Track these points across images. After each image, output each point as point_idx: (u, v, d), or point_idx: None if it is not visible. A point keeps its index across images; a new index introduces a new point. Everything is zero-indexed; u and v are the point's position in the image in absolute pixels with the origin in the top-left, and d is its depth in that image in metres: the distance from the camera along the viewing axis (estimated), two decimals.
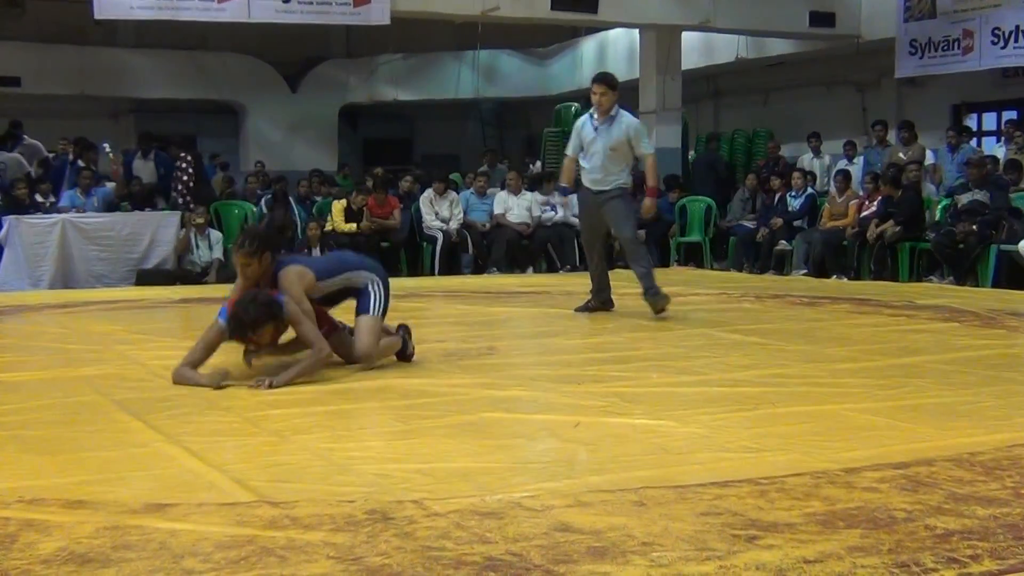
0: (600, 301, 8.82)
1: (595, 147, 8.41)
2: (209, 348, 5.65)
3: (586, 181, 8.59)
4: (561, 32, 21.99)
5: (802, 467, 3.82)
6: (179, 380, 5.55)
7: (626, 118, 8.46)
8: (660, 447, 4.21)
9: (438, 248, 13.56)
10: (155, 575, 2.78)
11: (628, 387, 5.45)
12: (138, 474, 3.87)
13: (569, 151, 8.74)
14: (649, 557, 2.87)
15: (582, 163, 8.55)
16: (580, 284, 11.67)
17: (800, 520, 3.19)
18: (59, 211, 12.44)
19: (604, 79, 8.53)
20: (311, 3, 13.29)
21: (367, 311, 6.03)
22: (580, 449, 4.21)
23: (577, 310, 8.76)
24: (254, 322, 5.52)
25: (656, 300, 8.33)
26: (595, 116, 8.47)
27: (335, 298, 6.18)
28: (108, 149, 13.59)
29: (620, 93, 8.52)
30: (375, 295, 6.09)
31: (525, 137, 24.48)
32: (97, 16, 13.25)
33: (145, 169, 14.29)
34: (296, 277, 5.81)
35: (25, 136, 15.52)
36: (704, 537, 3.04)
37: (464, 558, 2.87)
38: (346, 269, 6.15)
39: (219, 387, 5.39)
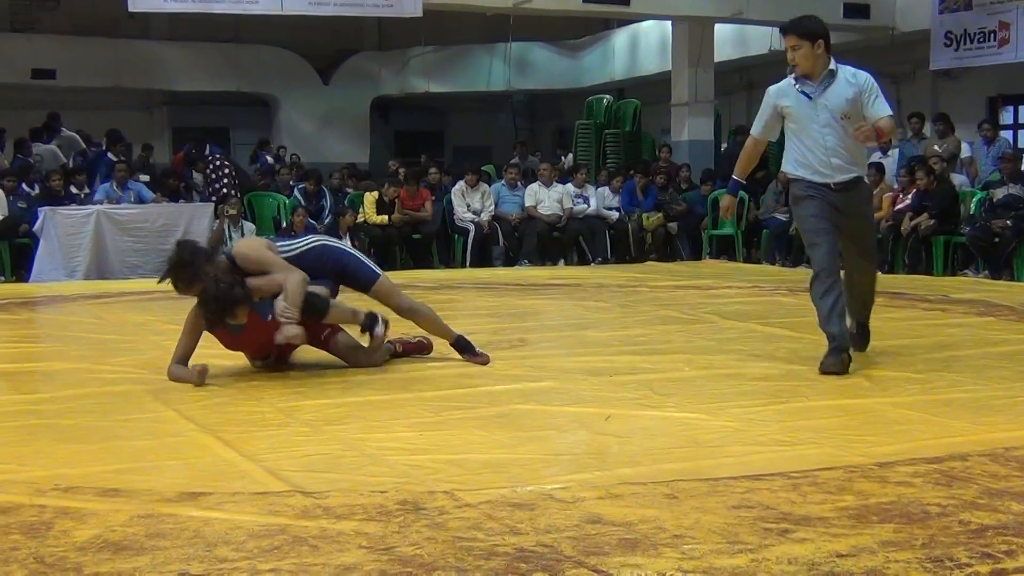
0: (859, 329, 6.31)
1: (815, 120, 5.86)
2: (193, 335, 5.52)
3: (806, 172, 5.90)
4: (593, 24, 21.93)
5: (835, 461, 3.80)
6: (172, 377, 5.46)
7: (850, 72, 5.91)
8: (692, 440, 4.20)
9: (470, 240, 13.56)
10: (188, 563, 2.80)
11: (660, 380, 5.44)
12: (172, 463, 3.90)
13: (756, 131, 6.26)
14: (680, 550, 2.87)
15: (795, 147, 5.98)
16: (611, 277, 11.67)
17: (833, 514, 3.18)
18: (94, 203, 12.53)
19: (795, 27, 5.95)
20: None
21: (373, 271, 6.23)
22: (611, 441, 4.20)
23: (830, 361, 5.67)
24: (220, 303, 5.34)
25: (861, 340, 6.25)
26: (798, 80, 6.00)
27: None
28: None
29: (828, 42, 5.93)
30: (359, 256, 6.33)
31: (556, 129, 24.44)
32: (131, 9, 13.33)
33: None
34: (247, 242, 5.85)
35: (63, 128, 15.64)
36: (736, 530, 3.03)
37: (495, 549, 2.87)
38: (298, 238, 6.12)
39: (200, 384, 5.31)
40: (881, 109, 5.82)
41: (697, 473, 3.66)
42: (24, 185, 12.89)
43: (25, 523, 3.14)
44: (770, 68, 20.02)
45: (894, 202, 12.64)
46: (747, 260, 14.06)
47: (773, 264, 13.52)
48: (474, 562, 2.78)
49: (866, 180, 6.26)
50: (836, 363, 5.60)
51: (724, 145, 17.97)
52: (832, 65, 5.90)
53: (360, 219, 13.16)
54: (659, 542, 2.93)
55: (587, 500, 3.33)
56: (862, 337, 6.28)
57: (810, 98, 5.90)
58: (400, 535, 3.00)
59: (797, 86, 6.01)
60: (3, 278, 11.87)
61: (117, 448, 4.16)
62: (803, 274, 12.16)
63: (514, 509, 3.24)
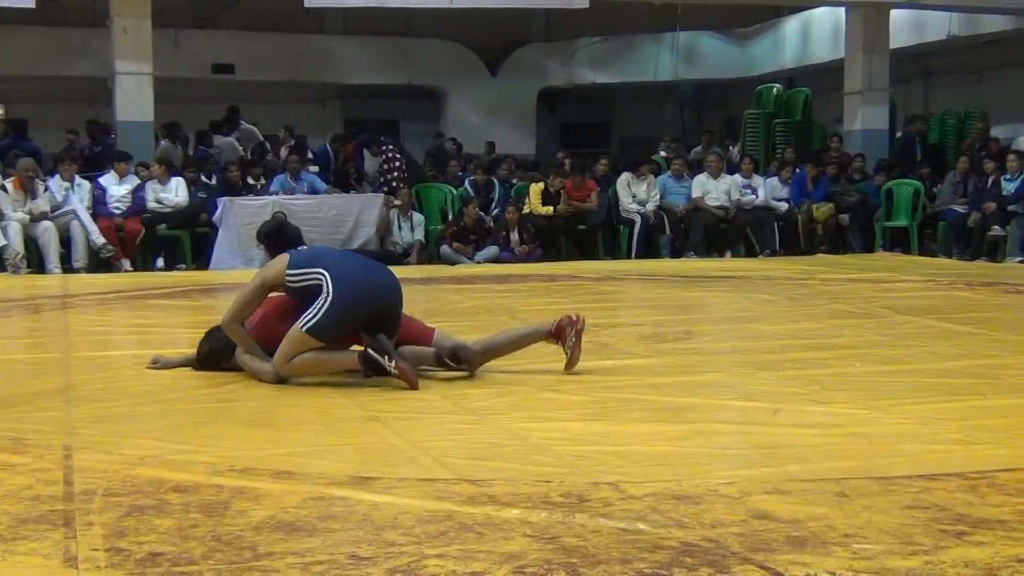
0: None
1: None
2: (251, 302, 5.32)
3: None
4: (763, 12, 21.57)
5: (1015, 462, 3.66)
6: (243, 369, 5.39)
7: None
8: (863, 437, 4.10)
9: (635, 231, 13.49)
10: (358, 546, 2.86)
11: (830, 375, 5.32)
12: (343, 448, 3.99)
13: None
14: (851, 549, 2.80)
15: None
16: (780, 269, 11.46)
17: (1013, 517, 3.06)
18: (269, 193, 12.91)
19: None
20: None
21: (298, 321, 5.11)
22: (779, 437, 4.13)
23: None
24: (210, 355, 5.44)
25: None
26: None
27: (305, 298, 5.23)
28: None
29: None
30: (318, 306, 5.06)
31: (724, 119, 24.11)
32: (307, 4, 13.71)
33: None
34: (273, 263, 5.34)
35: (242, 121, 16.15)
36: (909, 531, 2.95)
37: (660, 542, 2.86)
38: (315, 265, 5.18)
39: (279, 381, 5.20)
40: None
41: (869, 471, 3.57)
42: (203, 176, 13.36)
43: (204, 502, 3.26)
44: (948, 55, 19.44)
45: None
46: (922, 253, 13.63)
47: (950, 257, 13.07)
48: (638, 555, 2.77)
49: None
50: None
51: (899, 134, 17.48)
52: None
53: (525, 210, 13.23)
54: (829, 541, 2.87)
55: (754, 496, 3.28)
56: None
57: None
58: (564, 525, 3.01)
59: None
60: (184, 266, 12.33)
61: (291, 432, 4.29)
62: (982, 268, 11.76)
63: (679, 502, 3.21)
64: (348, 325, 5.15)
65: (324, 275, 5.08)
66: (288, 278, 5.17)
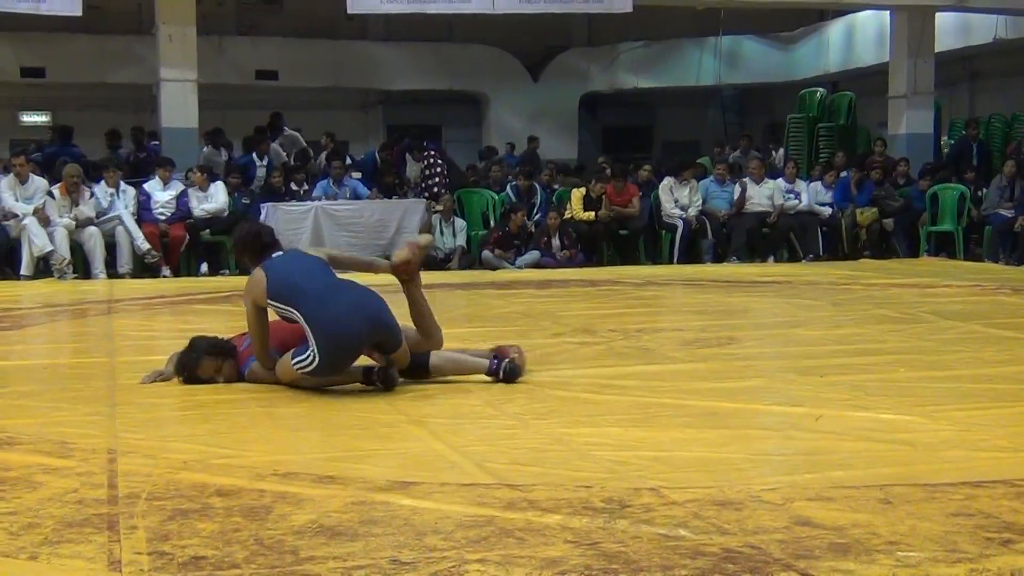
0: None
1: None
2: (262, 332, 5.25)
3: None
4: (807, 15, 21.45)
5: None
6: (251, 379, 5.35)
7: None
8: (907, 443, 4.06)
9: (677, 236, 13.45)
10: (399, 550, 2.87)
11: (873, 381, 5.28)
12: (384, 452, 4.01)
13: None
14: (895, 556, 2.77)
15: None
16: (824, 274, 11.38)
17: None
18: (312, 199, 12.98)
19: None
20: None
21: (290, 358, 5.08)
22: (822, 443, 4.10)
23: None
24: (185, 366, 5.33)
25: None
26: None
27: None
28: None
29: None
30: (307, 357, 4.98)
31: (768, 124, 23.99)
32: (350, 11, 13.76)
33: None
34: (252, 284, 5.18)
35: (286, 128, 16.26)
36: (954, 538, 2.91)
37: (702, 549, 2.84)
38: (292, 303, 5.01)
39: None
40: None
41: (913, 478, 3.53)
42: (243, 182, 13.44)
43: (246, 506, 3.28)
44: (995, 58, 19.24)
45: None
46: (968, 258, 13.49)
47: (996, 262, 12.93)
48: (680, 561, 2.75)
49: None
50: None
51: (944, 138, 17.31)
52: None
53: (567, 215, 13.22)
54: (872, 548, 2.84)
55: (796, 502, 3.25)
56: None
57: None
58: (605, 531, 3.00)
59: None
60: (227, 271, 12.42)
61: (333, 437, 4.31)
62: None
63: (721, 509, 3.20)
64: (345, 364, 5.10)
65: (303, 321, 4.94)
66: (270, 304, 5.09)
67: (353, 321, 5.00)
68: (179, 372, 5.37)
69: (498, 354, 5.36)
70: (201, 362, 5.31)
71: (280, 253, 5.38)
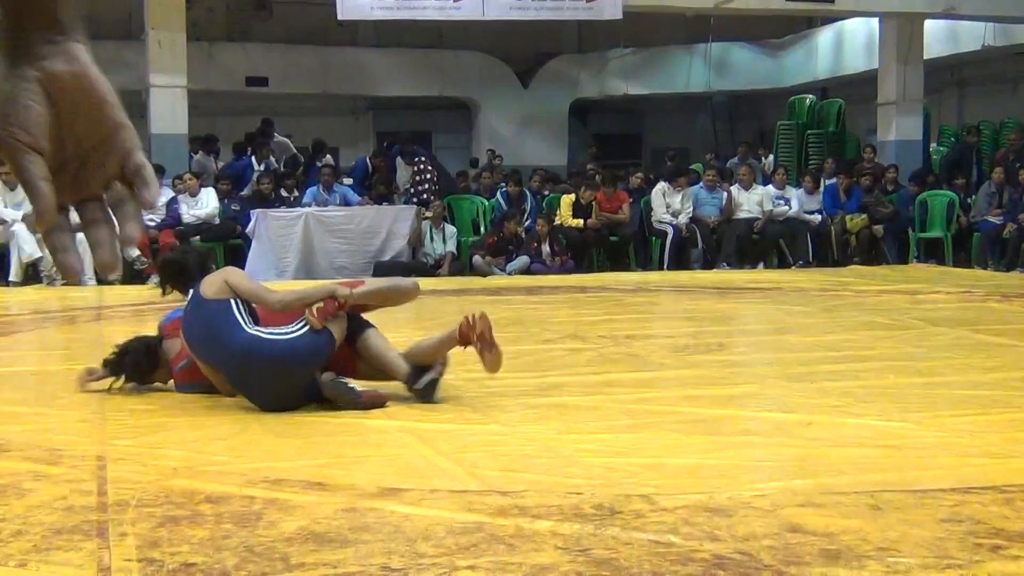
0: None
1: None
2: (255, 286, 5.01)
3: None
4: (796, 23, 21.51)
5: None
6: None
7: None
8: (897, 449, 4.06)
9: (668, 242, 13.47)
10: (390, 557, 2.86)
11: (863, 387, 5.29)
12: (374, 459, 4.00)
13: None
14: (885, 562, 2.78)
15: None
16: (813, 280, 11.40)
17: None
18: (303, 205, 12.97)
19: None
20: None
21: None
22: (812, 449, 4.10)
23: None
24: (125, 365, 5.21)
25: None
26: None
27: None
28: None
29: None
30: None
31: (757, 131, 24.05)
32: (340, 17, 13.77)
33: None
34: (214, 277, 4.96)
35: (276, 134, 16.26)
36: (944, 545, 2.92)
37: (692, 555, 2.84)
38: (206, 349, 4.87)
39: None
40: None
41: (903, 484, 3.54)
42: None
43: (236, 513, 3.27)
44: (983, 65, 19.32)
45: None
46: (957, 264, 13.53)
47: (985, 268, 12.98)
48: (670, 567, 2.75)
49: None
50: None
51: (934, 145, 17.36)
52: None
53: (556, 222, 13.23)
54: (863, 554, 2.84)
55: (787, 508, 3.26)
56: None
57: None
58: (596, 537, 3.00)
59: None
60: None
61: (322, 443, 4.30)
62: (1017, 279, 11.65)
63: (712, 515, 3.19)
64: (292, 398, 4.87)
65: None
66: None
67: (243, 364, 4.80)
68: (125, 372, 5.21)
69: (424, 364, 4.96)
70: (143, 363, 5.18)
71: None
